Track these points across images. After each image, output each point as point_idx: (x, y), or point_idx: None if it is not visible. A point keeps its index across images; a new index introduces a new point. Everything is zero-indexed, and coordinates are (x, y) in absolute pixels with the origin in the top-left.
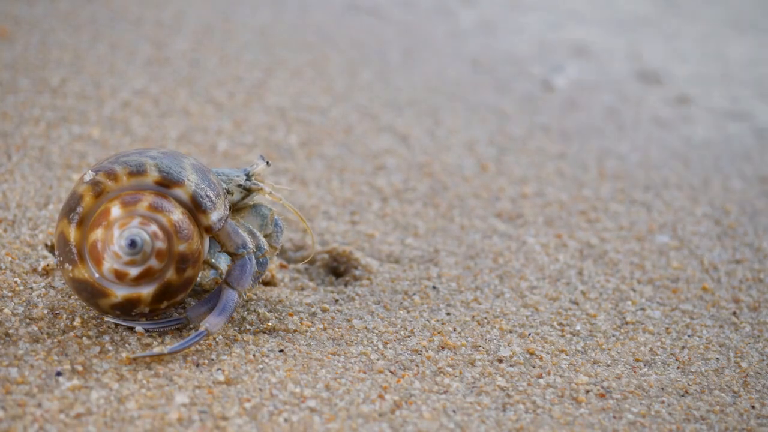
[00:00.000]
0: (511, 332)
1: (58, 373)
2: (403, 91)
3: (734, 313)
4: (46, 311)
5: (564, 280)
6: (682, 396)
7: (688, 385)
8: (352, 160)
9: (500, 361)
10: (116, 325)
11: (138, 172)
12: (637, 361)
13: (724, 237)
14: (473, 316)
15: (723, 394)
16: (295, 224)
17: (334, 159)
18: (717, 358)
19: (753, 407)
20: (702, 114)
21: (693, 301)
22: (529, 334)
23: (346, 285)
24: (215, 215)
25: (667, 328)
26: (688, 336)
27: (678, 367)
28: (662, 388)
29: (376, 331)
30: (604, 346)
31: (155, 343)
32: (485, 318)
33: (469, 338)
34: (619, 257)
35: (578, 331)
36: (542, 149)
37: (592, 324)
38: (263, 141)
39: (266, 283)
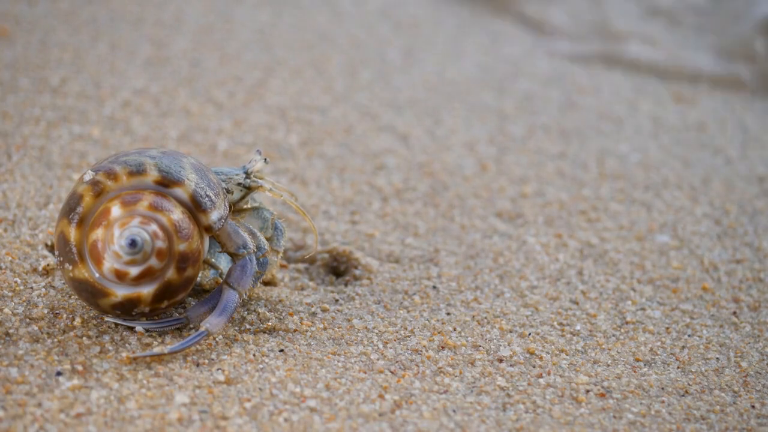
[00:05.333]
0: (511, 332)
1: (58, 373)
2: (403, 90)
3: (734, 313)
4: (46, 311)
5: (564, 280)
6: (683, 396)
7: (689, 384)
8: (352, 160)
9: (500, 360)
10: (116, 324)
11: (138, 171)
12: (638, 360)
13: (724, 237)
14: (473, 316)
15: (723, 394)
16: (296, 224)
17: (334, 159)
18: (717, 358)
19: (753, 407)
20: None
21: (693, 300)
22: (529, 334)
23: (346, 285)
24: (215, 215)
25: (668, 328)
26: (689, 336)
27: (678, 367)
28: (662, 388)
29: (376, 331)
30: (604, 346)
31: (155, 342)
32: (485, 318)
33: (469, 338)
34: (619, 257)
35: (578, 330)
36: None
37: (592, 324)
38: (263, 140)
39: (266, 283)
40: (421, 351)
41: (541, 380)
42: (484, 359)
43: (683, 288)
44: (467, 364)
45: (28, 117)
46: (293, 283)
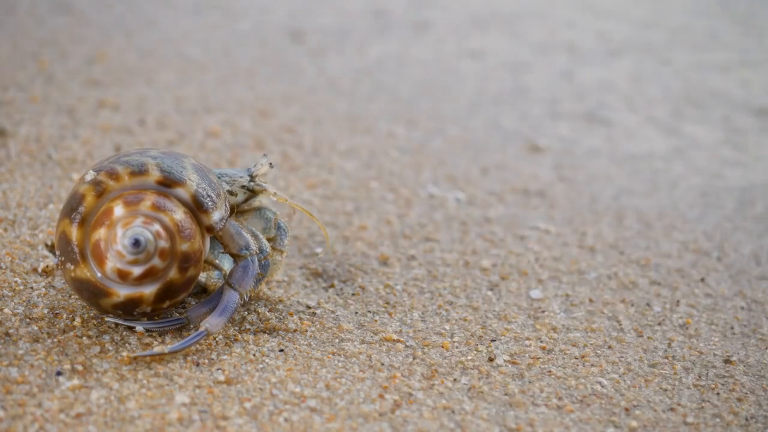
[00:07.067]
0: (511, 332)
1: (58, 373)
2: None
3: None
4: (46, 311)
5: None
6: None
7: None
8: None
9: (501, 360)
10: (116, 324)
11: (140, 171)
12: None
13: None
14: (473, 317)
15: None
16: (299, 226)
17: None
18: None
19: None
20: None
21: None
22: (530, 335)
23: (345, 284)
24: (216, 215)
25: None
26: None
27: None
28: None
29: (376, 331)
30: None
31: (155, 342)
32: (485, 318)
33: (470, 338)
34: None
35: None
36: None
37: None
38: None
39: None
40: (421, 350)
41: (541, 380)
42: (485, 359)
43: None
44: (467, 363)
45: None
46: (294, 283)
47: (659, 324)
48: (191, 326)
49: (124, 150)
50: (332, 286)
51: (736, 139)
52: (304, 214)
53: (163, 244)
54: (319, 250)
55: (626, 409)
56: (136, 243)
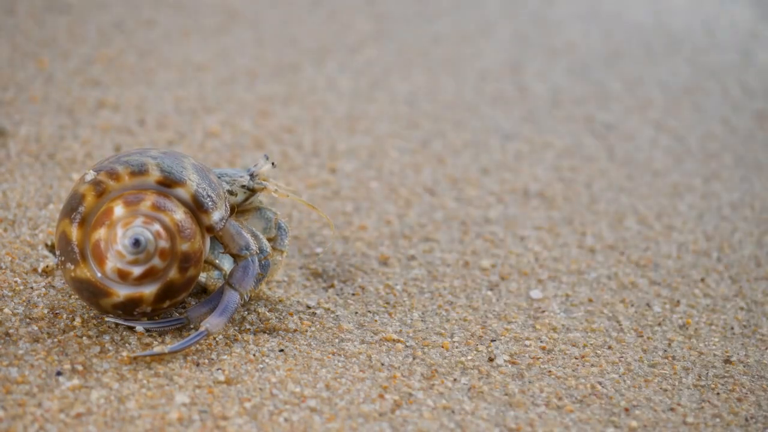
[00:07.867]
0: (511, 332)
1: (59, 373)
2: None
3: None
4: (46, 311)
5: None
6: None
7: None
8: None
9: (501, 360)
10: (116, 324)
11: (140, 171)
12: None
13: None
14: (473, 317)
15: None
16: (299, 225)
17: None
18: None
19: None
20: None
21: None
22: (530, 335)
23: (345, 284)
24: (217, 215)
25: None
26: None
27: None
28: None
29: (376, 331)
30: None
31: (155, 342)
32: (485, 318)
33: (470, 338)
34: None
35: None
36: None
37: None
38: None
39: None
40: (421, 350)
41: (541, 380)
42: (484, 359)
43: None
44: (467, 363)
45: (30, 116)
46: (294, 282)
47: (659, 324)
48: (191, 326)
49: (124, 150)
50: (332, 286)
51: (736, 140)
52: (304, 213)
53: (164, 244)
54: (319, 250)
55: (626, 409)
56: (137, 243)
